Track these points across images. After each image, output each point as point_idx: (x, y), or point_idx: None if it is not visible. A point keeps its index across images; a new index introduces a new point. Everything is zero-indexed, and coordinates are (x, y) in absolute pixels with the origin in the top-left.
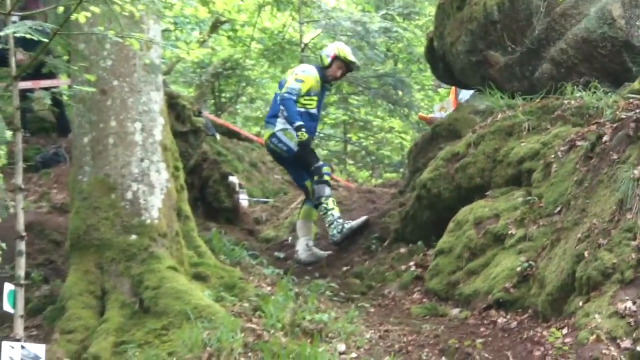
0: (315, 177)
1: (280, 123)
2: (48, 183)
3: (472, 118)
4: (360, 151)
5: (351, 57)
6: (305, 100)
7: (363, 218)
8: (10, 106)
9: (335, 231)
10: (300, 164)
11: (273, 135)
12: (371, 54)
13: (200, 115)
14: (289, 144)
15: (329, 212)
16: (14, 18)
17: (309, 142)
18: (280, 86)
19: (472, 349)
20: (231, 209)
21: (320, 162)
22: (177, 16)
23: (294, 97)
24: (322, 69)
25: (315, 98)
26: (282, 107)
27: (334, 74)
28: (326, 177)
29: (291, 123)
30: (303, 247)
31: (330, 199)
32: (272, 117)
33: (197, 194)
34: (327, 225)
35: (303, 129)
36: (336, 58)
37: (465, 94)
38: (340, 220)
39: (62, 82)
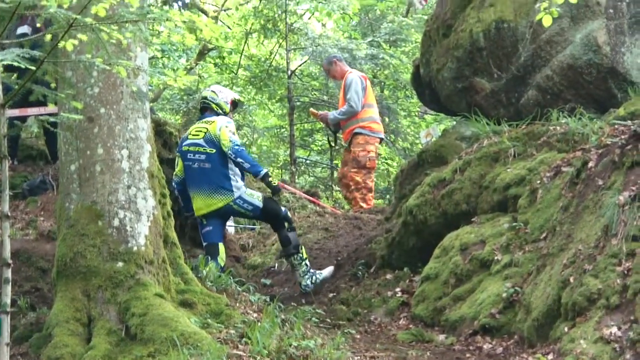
0: (287, 225)
1: (235, 187)
2: (35, 211)
3: (458, 144)
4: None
5: (241, 98)
6: None
7: (331, 268)
8: None
9: (309, 282)
10: (265, 218)
11: (235, 200)
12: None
13: None
14: (255, 202)
15: (304, 262)
16: (23, 30)
17: (268, 198)
18: (212, 145)
19: None
20: None
21: (284, 209)
22: (165, 43)
23: (244, 148)
24: (225, 116)
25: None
26: (239, 160)
27: (230, 117)
28: (294, 225)
29: (256, 173)
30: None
31: (303, 248)
32: (223, 181)
33: (183, 221)
34: (300, 275)
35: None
36: (232, 103)
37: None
38: (312, 271)
39: (49, 110)
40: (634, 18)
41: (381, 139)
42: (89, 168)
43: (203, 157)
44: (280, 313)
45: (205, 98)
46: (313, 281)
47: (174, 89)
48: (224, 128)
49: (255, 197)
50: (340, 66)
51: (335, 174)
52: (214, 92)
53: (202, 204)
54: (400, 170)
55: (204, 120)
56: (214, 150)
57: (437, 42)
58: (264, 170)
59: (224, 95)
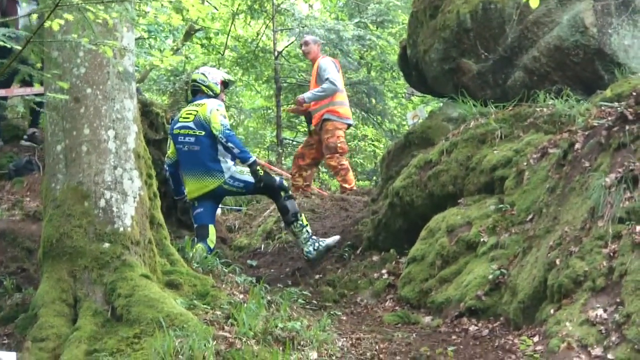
0: (283, 194)
1: (225, 168)
2: (21, 191)
3: (445, 126)
4: None
5: (232, 78)
6: None
7: (337, 237)
8: None
9: (311, 248)
10: (261, 191)
11: (226, 181)
12: (344, 61)
13: None
14: (246, 179)
15: (305, 229)
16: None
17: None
18: (202, 127)
19: (444, 357)
20: None
21: (278, 178)
22: (151, 24)
23: (234, 132)
24: (215, 97)
25: None
26: (229, 144)
27: (222, 98)
28: (291, 192)
29: (244, 159)
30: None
31: (303, 215)
32: (213, 163)
33: (170, 202)
34: (302, 242)
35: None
36: (222, 83)
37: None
38: (315, 237)
39: (35, 90)
40: None
41: (349, 125)
42: (75, 148)
43: (192, 139)
44: (266, 294)
45: (195, 81)
46: (315, 248)
47: (160, 70)
48: (214, 111)
49: (246, 173)
50: (317, 49)
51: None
52: (203, 74)
53: (194, 187)
54: (387, 152)
55: (194, 103)
56: (203, 133)
57: (424, 23)
58: (253, 158)
59: (214, 77)
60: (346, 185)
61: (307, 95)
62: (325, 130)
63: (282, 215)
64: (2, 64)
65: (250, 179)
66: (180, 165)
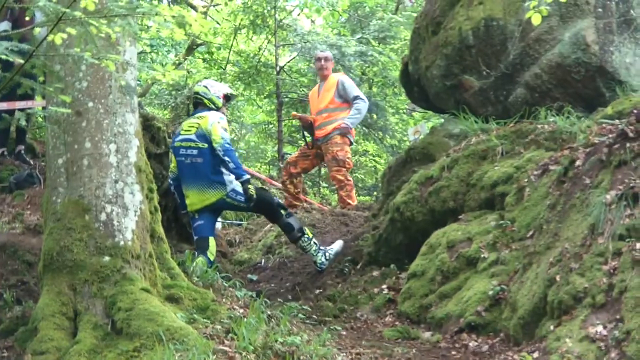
0: (283, 212)
1: (228, 181)
2: (22, 204)
3: (446, 142)
4: None
5: (234, 92)
6: None
7: (340, 242)
8: None
9: (323, 259)
10: (261, 209)
11: (228, 193)
12: None
13: None
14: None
15: (312, 242)
16: (2, 26)
17: (259, 189)
18: (204, 139)
19: None
20: None
21: (276, 198)
22: (154, 38)
23: (234, 148)
24: (217, 110)
25: None
26: (226, 159)
27: (223, 112)
28: (290, 210)
29: (238, 176)
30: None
31: (306, 228)
32: (215, 176)
33: (170, 216)
34: (312, 254)
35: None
36: (225, 97)
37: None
38: (323, 247)
39: (37, 103)
40: (622, 17)
41: (351, 143)
42: (76, 162)
43: (195, 152)
44: (266, 309)
45: (197, 93)
46: (327, 257)
47: (162, 84)
48: (215, 124)
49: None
50: (331, 66)
51: (323, 171)
52: (205, 87)
53: (196, 199)
54: (388, 167)
55: (196, 115)
56: (206, 145)
57: (426, 39)
58: (247, 176)
59: (216, 90)
60: (349, 201)
61: (350, 121)
62: (335, 142)
63: (287, 233)
64: (5, 77)
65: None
66: (182, 178)
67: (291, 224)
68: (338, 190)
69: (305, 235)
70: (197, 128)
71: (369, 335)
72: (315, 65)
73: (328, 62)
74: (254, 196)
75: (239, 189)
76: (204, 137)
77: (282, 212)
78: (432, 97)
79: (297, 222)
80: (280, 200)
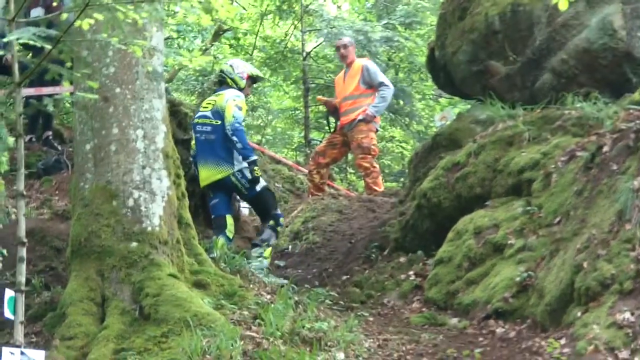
0: (272, 222)
1: (237, 160)
2: (50, 190)
3: (473, 128)
4: None
5: (260, 73)
6: None
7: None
8: (13, 113)
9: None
10: (255, 204)
11: (235, 172)
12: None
13: None
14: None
15: (260, 259)
16: (37, 12)
17: (267, 186)
18: (218, 117)
19: (471, 359)
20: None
21: (279, 211)
22: (180, 24)
23: (243, 127)
24: (240, 91)
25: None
26: (234, 139)
27: (247, 93)
28: (279, 229)
29: (245, 157)
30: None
31: (270, 249)
32: (225, 153)
33: (198, 202)
34: (248, 261)
35: (257, 165)
36: (249, 78)
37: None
38: (261, 268)
39: (64, 89)
40: None
41: (376, 130)
42: (104, 148)
43: (209, 128)
44: (293, 295)
45: (222, 71)
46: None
47: (189, 70)
48: (230, 101)
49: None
50: (353, 51)
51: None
52: (231, 66)
53: (205, 174)
54: (415, 153)
55: (216, 93)
56: (219, 122)
57: (453, 24)
58: (254, 157)
59: (241, 70)
60: (376, 188)
61: (374, 110)
62: (359, 130)
63: (257, 234)
64: (33, 63)
65: (258, 186)
66: (197, 154)
67: (264, 231)
68: (364, 178)
69: (261, 249)
70: (213, 105)
71: (396, 322)
72: (337, 54)
73: (348, 49)
74: (259, 178)
75: (247, 172)
76: (218, 114)
77: (272, 222)
78: (458, 83)
79: (269, 237)
80: (278, 212)
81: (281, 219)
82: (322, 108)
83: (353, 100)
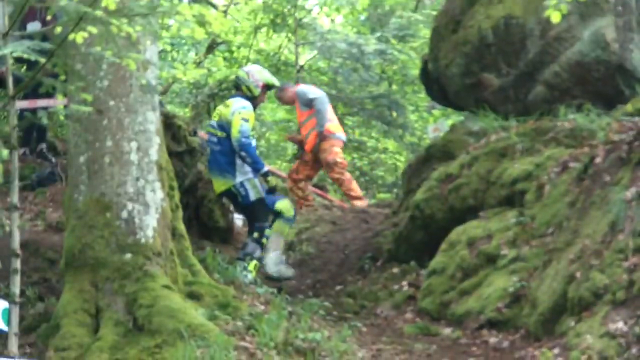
0: (256, 234)
1: (240, 172)
2: (44, 202)
3: (466, 139)
4: (354, 171)
5: (275, 81)
6: None
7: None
8: (7, 125)
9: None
10: (246, 213)
11: (236, 184)
12: (366, 75)
13: (195, 135)
14: (250, 193)
15: (245, 273)
16: (34, 26)
17: (263, 199)
18: (222, 128)
19: None
20: (225, 229)
21: (267, 224)
22: (174, 37)
23: (251, 141)
24: (251, 99)
25: (254, 132)
26: (243, 154)
27: (262, 101)
28: (264, 240)
29: (257, 170)
30: (273, 261)
31: (254, 262)
32: (228, 166)
33: (191, 214)
34: (236, 271)
35: (271, 175)
36: (264, 86)
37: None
38: (249, 278)
39: (58, 102)
40: None
41: (343, 141)
42: (97, 160)
43: (215, 139)
44: (287, 305)
45: (238, 77)
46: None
47: (183, 83)
48: (236, 114)
49: (254, 191)
50: (287, 91)
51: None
52: (247, 73)
53: (215, 184)
54: (408, 165)
55: (226, 101)
56: (224, 135)
57: (446, 37)
58: (266, 168)
59: (256, 78)
60: (352, 194)
61: (319, 127)
62: (322, 150)
63: (241, 248)
64: (27, 76)
65: (253, 196)
66: (208, 162)
67: (247, 244)
68: (341, 190)
69: (245, 264)
70: (219, 116)
71: (389, 332)
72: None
73: (283, 92)
74: (275, 187)
75: (247, 184)
76: (223, 126)
77: (256, 234)
78: (451, 95)
79: (254, 250)
80: (266, 224)
81: (267, 231)
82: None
83: (304, 126)
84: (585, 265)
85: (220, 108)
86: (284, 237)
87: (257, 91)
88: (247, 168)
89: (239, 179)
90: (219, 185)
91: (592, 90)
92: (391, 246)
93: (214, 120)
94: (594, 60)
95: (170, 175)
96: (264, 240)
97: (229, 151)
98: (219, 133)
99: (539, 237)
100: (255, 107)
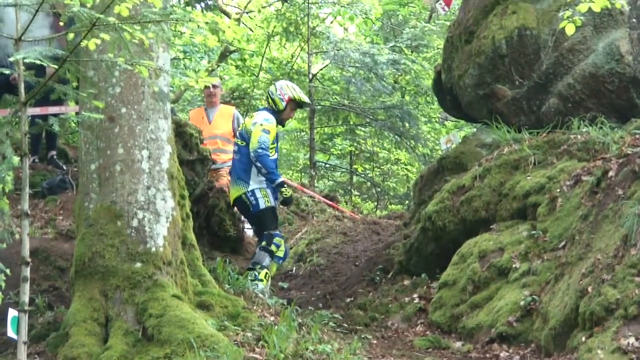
0: (264, 243)
1: (254, 181)
2: (54, 209)
3: (479, 151)
4: (366, 182)
5: (305, 98)
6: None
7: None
8: (18, 132)
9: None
10: (256, 222)
11: (247, 192)
12: (379, 85)
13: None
14: (259, 201)
15: (255, 282)
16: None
17: (273, 208)
18: (242, 137)
19: None
20: (236, 239)
21: (277, 232)
22: (187, 45)
23: (268, 152)
24: (277, 113)
25: (275, 145)
26: (258, 164)
27: (288, 116)
28: (273, 248)
29: (272, 180)
30: (260, 290)
31: (265, 271)
32: (242, 173)
33: (202, 223)
34: (252, 285)
35: (285, 185)
36: (291, 101)
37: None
38: (261, 296)
39: (70, 109)
40: None
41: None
42: (108, 168)
43: (236, 148)
44: (297, 317)
45: (269, 90)
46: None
47: (195, 91)
48: (257, 125)
49: (264, 199)
50: (220, 93)
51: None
52: (276, 87)
53: (230, 191)
54: (420, 176)
55: (252, 113)
56: (244, 144)
57: (459, 48)
58: (281, 179)
59: (283, 92)
60: None
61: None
62: (221, 175)
63: (251, 257)
64: (39, 83)
65: (263, 205)
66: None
67: (255, 254)
68: None
69: (255, 272)
70: (243, 126)
71: (400, 345)
72: (204, 92)
73: (217, 89)
74: (291, 198)
75: (258, 193)
76: (243, 136)
77: (264, 242)
78: (464, 106)
79: (259, 258)
80: (276, 239)
81: (276, 239)
82: (327, 130)
83: (223, 142)
84: (597, 280)
85: (246, 119)
86: (270, 274)
87: (281, 105)
88: (262, 177)
89: (251, 187)
90: (234, 192)
91: (605, 103)
92: (402, 258)
93: (239, 130)
94: (608, 72)
95: (181, 184)
96: (272, 247)
97: (246, 160)
98: (240, 141)
99: (551, 250)
100: (280, 122)
